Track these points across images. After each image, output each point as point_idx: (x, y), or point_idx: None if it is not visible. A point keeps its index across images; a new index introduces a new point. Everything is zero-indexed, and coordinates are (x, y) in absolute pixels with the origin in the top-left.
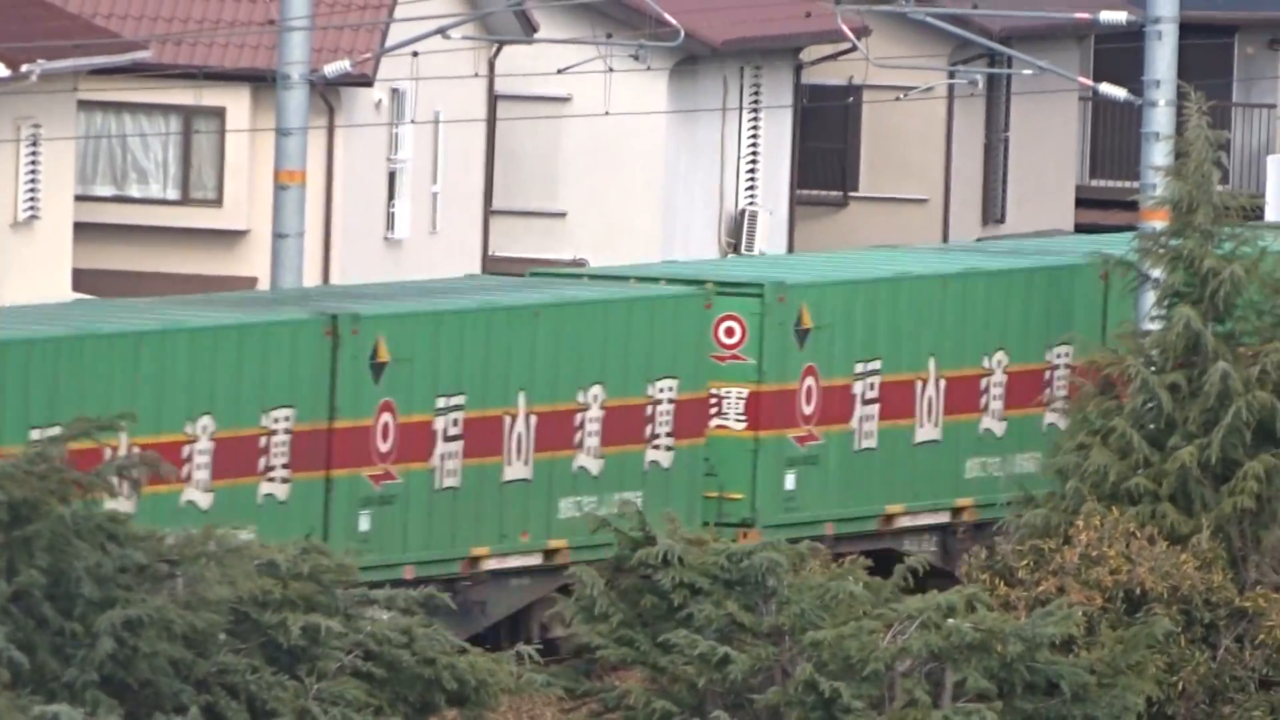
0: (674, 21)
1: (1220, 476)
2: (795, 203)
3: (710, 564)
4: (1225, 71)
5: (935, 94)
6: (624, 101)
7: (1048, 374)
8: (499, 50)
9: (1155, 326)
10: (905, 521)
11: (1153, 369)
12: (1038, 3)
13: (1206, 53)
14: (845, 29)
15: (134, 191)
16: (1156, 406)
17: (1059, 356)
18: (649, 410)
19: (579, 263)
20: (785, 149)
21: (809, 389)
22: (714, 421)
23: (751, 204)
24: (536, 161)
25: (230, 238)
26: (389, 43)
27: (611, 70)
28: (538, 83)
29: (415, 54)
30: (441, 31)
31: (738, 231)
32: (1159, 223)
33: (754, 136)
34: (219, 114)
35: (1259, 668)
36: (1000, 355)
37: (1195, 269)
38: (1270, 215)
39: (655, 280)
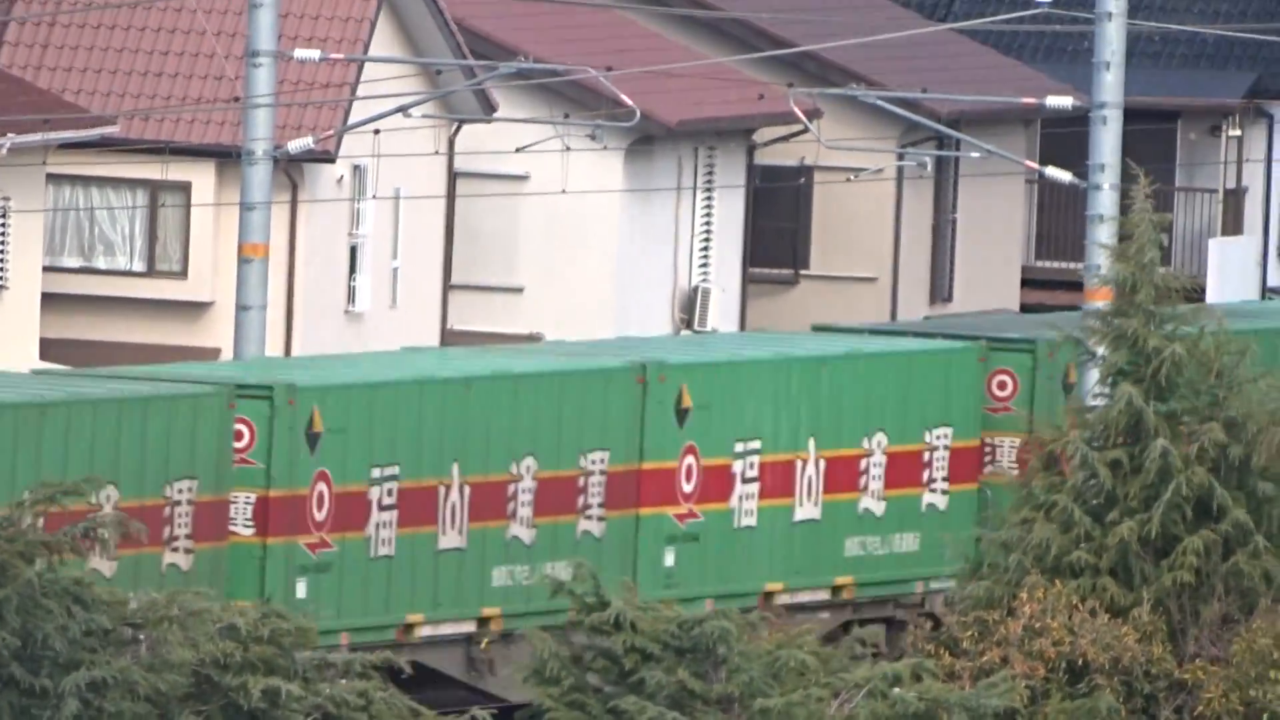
0: (630, 102)
1: (1160, 551)
2: (747, 280)
3: (662, 630)
4: (1168, 156)
5: (885, 175)
6: (581, 180)
7: (582, 480)
8: (459, 129)
9: (1098, 403)
10: (427, 631)
11: (1095, 445)
12: (985, 88)
13: (1150, 138)
14: (798, 111)
15: (101, 263)
16: (1098, 482)
17: (594, 463)
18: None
19: (535, 337)
20: (738, 227)
21: (320, 495)
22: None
23: (705, 281)
24: (495, 238)
25: (195, 309)
26: (351, 120)
27: (568, 149)
28: (496, 161)
29: (377, 131)
30: (403, 110)
31: (691, 308)
32: (1102, 302)
33: (707, 215)
34: (185, 188)
35: None
36: (529, 461)
37: (1139, 348)
38: (1211, 297)
39: (178, 381)
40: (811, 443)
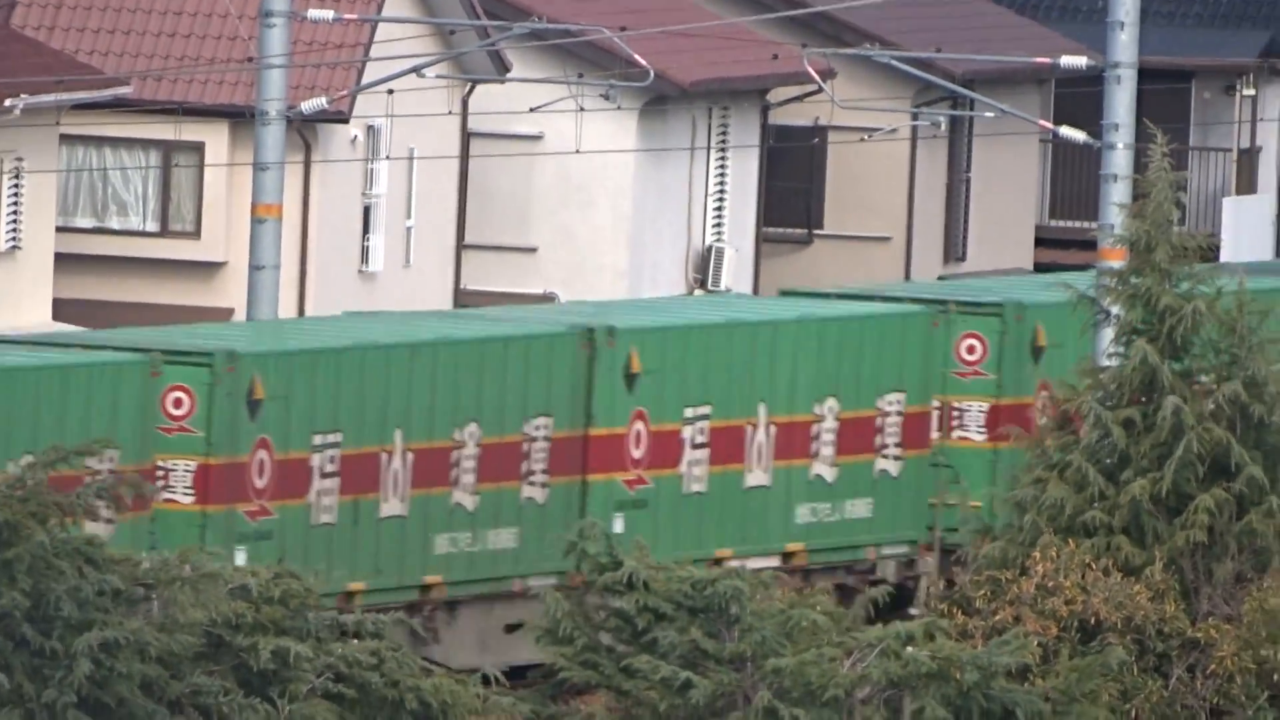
0: (644, 62)
1: (1173, 509)
2: (761, 240)
3: (674, 590)
4: (1182, 116)
5: (899, 135)
6: (594, 140)
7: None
8: (472, 89)
9: (1112, 363)
10: None
11: (1109, 404)
12: (999, 47)
13: (1164, 97)
14: (811, 71)
15: (114, 223)
16: (1111, 441)
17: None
18: None
19: (549, 297)
20: (752, 188)
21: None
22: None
23: (718, 241)
24: (508, 198)
25: (208, 269)
26: (364, 81)
27: (582, 110)
28: (510, 121)
29: (390, 92)
30: (416, 70)
31: (705, 268)
32: (1116, 262)
33: (721, 175)
34: (198, 149)
35: (1210, 697)
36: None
37: (1153, 306)
38: (1225, 256)
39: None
40: None
